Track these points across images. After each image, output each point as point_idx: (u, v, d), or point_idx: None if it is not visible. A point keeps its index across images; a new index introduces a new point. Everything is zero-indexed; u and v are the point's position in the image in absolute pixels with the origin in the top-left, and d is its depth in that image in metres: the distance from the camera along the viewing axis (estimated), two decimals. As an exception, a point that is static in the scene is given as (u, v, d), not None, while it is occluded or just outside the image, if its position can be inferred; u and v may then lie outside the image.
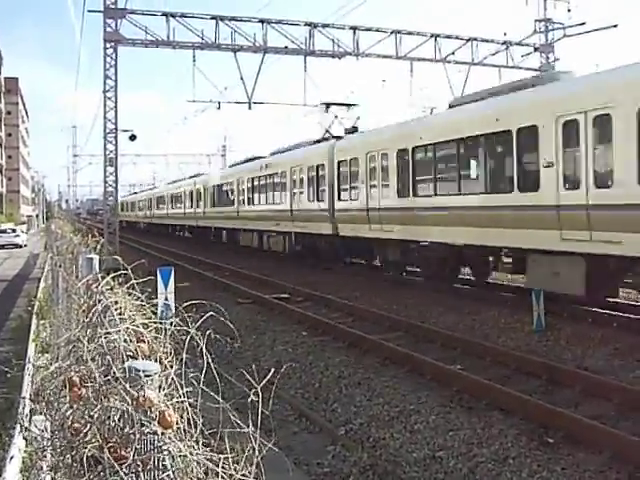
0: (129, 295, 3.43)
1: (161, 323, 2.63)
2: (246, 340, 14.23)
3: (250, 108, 33.24)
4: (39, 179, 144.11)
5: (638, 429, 7.97)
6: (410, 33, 34.54)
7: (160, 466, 1.96)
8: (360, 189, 23.58)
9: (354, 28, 33.23)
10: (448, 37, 35.36)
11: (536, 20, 36.27)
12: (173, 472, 1.95)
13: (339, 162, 25.28)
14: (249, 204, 36.02)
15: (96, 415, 2.09)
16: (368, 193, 22.96)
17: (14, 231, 60.54)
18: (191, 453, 1.96)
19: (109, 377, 2.21)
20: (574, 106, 14.14)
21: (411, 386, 10.62)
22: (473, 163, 18.45)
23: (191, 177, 56.75)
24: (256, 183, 34.90)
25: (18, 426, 3.08)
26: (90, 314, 3.05)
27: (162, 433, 2.00)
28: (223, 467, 1.96)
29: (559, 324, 14.24)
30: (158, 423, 2.01)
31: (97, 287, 3.99)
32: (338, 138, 27.44)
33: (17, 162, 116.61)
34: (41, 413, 2.87)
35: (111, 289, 3.77)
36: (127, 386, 2.08)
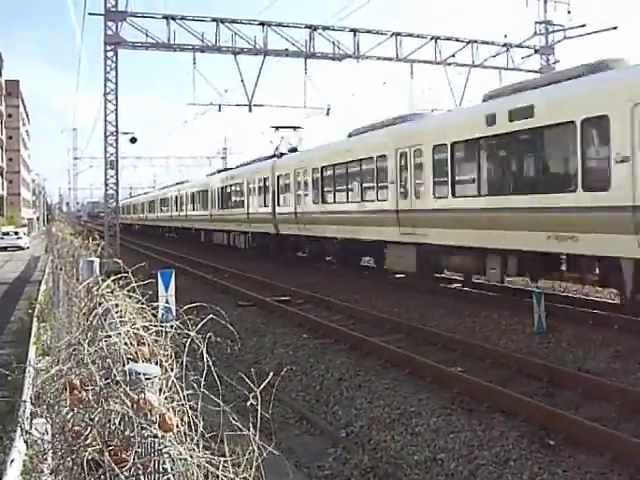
0: (129, 298, 3.44)
1: (162, 326, 2.63)
2: (247, 343, 14.22)
3: (250, 111, 33.32)
4: (40, 182, 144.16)
5: (639, 431, 7.97)
6: (410, 35, 34.61)
7: (160, 469, 1.96)
8: (291, 197, 29.61)
9: (354, 30, 33.27)
10: (448, 39, 35.40)
11: (536, 22, 36.36)
12: (173, 475, 1.95)
13: (278, 176, 31.46)
14: (219, 209, 41.96)
15: (97, 418, 2.10)
16: (296, 200, 28.95)
17: (17, 234, 61.98)
18: (191, 456, 1.96)
19: (109, 380, 2.21)
20: None
21: (412, 388, 10.61)
22: (354, 181, 24.52)
23: (176, 184, 63.45)
24: (223, 191, 41.29)
25: (19, 429, 3.08)
26: (91, 317, 3.06)
27: (162, 436, 2.00)
28: (223, 470, 1.96)
29: (560, 326, 14.23)
30: (158, 426, 2.01)
31: (98, 290, 4.00)
32: (280, 156, 33.30)
33: (18, 165, 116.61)
34: (42, 416, 2.87)
35: (112, 292, 3.78)
36: (127, 389, 2.09)
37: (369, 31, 33.83)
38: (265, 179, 33.08)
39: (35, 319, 13.34)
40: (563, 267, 15.94)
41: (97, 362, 2.42)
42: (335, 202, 25.57)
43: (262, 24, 32.06)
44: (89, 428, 2.09)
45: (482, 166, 17.58)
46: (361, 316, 16.88)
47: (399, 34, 34.09)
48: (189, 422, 2.13)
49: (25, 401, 3.32)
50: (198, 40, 31.39)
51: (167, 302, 11.73)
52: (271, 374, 2.84)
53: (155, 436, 1.99)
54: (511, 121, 15.81)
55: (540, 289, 15.61)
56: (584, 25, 33.42)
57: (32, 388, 4.05)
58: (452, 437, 8.44)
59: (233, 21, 31.88)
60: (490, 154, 17.44)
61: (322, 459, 8.07)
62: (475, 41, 35.62)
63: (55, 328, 8.90)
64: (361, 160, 23.34)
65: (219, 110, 34.85)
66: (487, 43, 36.08)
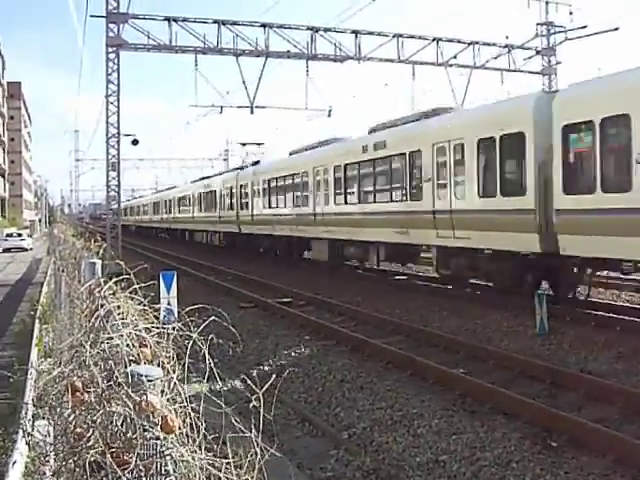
0: (131, 300, 3.44)
1: (164, 328, 2.63)
2: (249, 344, 14.21)
3: (252, 112, 33.30)
4: (42, 183, 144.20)
5: (642, 433, 7.96)
6: (412, 37, 34.56)
7: (163, 471, 1.96)
8: (249, 202, 36.65)
9: (356, 32, 33.23)
10: (450, 41, 35.34)
11: (538, 23, 36.33)
12: (176, 477, 1.94)
13: (240, 185, 38.43)
14: (198, 212, 49.50)
15: (99, 420, 2.09)
16: (253, 205, 36.06)
17: (20, 235, 63.67)
18: (193, 458, 1.95)
19: (112, 382, 2.21)
20: None
21: (414, 390, 10.60)
22: (288, 192, 31.34)
23: (167, 189, 72.01)
24: (202, 197, 48.60)
25: (21, 431, 3.08)
26: (93, 319, 3.06)
27: (164, 438, 2.00)
28: (225, 472, 1.95)
29: (562, 327, 14.22)
30: (160, 428, 2.01)
31: (100, 292, 4.00)
32: (241, 169, 41.73)
33: (20, 167, 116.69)
34: (44, 418, 2.87)
35: (113, 294, 3.78)
36: (129, 391, 2.08)
37: (370, 33, 33.78)
38: (231, 187, 40.20)
39: (37, 321, 13.32)
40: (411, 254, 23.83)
41: (99, 364, 2.42)
42: (277, 207, 32.73)
43: (264, 26, 32.04)
44: (91, 430, 2.09)
45: (360, 182, 24.64)
46: (363, 318, 16.87)
47: (400, 35, 34.06)
48: (191, 424, 2.13)
49: (27, 403, 3.32)
50: (200, 42, 31.37)
51: (169, 304, 11.73)
52: (273, 376, 2.83)
53: (157, 438, 1.99)
54: (375, 150, 23.06)
55: (542, 290, 15.61)
56: (585, 26, 33.42)
57: (34, 390, 4.05)
58: (454, 439, 8.43)
59: (235, 23, 31.87)
60: (363, 174, 24.39)
61: (324, 461, 8.06)
62: (477, 42, 35.56)
63: (57, 330, 8.91)
64: (287, 176, 31.55)
65: (221, 112, 34.86)
66: (489, 44, 36.02)
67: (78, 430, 2.17)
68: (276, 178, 32.74)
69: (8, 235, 62.94)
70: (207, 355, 2.38)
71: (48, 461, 2.51)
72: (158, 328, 2.66)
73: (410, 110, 33.00)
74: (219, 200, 42.80)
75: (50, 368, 4.28)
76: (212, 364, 2.37)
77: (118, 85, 31.63)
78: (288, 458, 7.76)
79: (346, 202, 25.29)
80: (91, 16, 31.65)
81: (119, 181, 33.51)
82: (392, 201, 22.22)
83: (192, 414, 2.15)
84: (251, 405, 2.22)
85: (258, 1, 55.86)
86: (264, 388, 2.37)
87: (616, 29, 31.54)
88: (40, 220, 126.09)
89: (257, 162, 40.19)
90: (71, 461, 2.12)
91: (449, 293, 19.78)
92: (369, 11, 48.67)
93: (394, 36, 33.86)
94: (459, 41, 35.53)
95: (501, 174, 16.98)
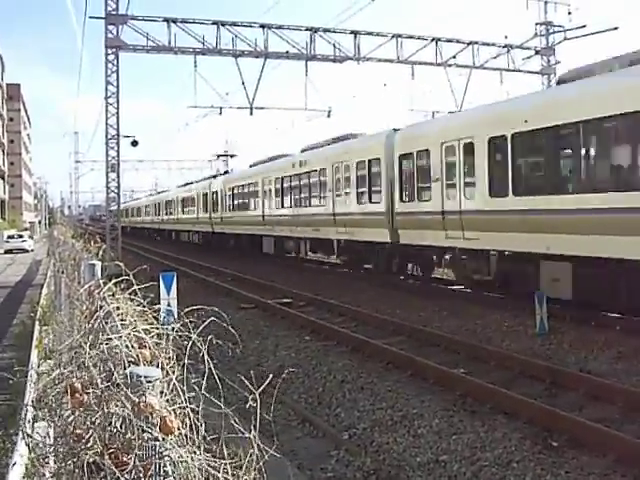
0: (131, 301, 3.43)
1: (163, 329, 2.63)
2: (249, 345, 14.22)
3: (252, 113, 33.30)
4: (41, 185, 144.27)
5: (642, 432, 7.96)
6: (411, 37, 34.56)
7: (161, 472, 1.96)
8: (220, 205, 43.17)
9: (355, 32, 33.24)
10: (449, 41, 35.33)
11: (537, 23, 36.33)
12: (174, 478, 1.94)
13: (213, 192, 45.11)
14: (181, 214, 56.39)
15: (98, 421, 2.09)
16: (223, 208, 42.57)
17: (21, 237, 65.42)
18: (192, 459, 1.95)
19: (110, 383, 2.21)
20: None
21: (414, 390, 10.60)
22: (246, 198, 38.35)
23: (158, 193, 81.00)
24: (184, 200, 55.19)
25: (21, 433, 3.08)
26: (92, 320, 3.06)
27: (163, 439, 1.99)
28: (225, 473, 1.95)
29: (562, 327, 14.22)
30: (159, 429, 2.00)
31: (99, 293, 4.00)
32: (214, 177, 49.89)
33: (19, 168, 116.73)
34: (44, 419, 2.87)
35: (113, 295, 3.78)
36: (128, 392, 2.08)
37: (370, 33, 33.79)
38: (206, 193, 46.84)
39: (37, 322, 13.32)
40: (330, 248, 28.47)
41: (98, 365, 2.41)
42: (240, 210, 38.97)
43: (263, 27, 32.05)
44: (90, 431, 2.09)
45: (292, 191, 31.16)
46: (363, 318, 16.88)
47: (400, 36, 34.06)
48: (190, 425, 2.12)
49: (27, 404, 3.31)
50: (199, 43, 31.37)
51: (169, 305, 11.73)
52: (271, 376, 2.83)
53: (156, 439, 1.98)
54: (300, 166, 29.94)
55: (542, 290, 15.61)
56: (584, 26, 33.38)
57: (34, 392, 4.05)
58: (455, 439, 8.43)
59: (234, 24, 31.87)
60: (294, 185, 30.91)
61: (325, 461, 8.06)
62: (476, 42, 35.55)
63: (57, 331, 8.90)
64: (244, 185, 38.60)
65: (220, 113, 34.87)
66: (488, 44, 36.01)
67: (77, 431, 2.16)
68: (237, 186, 39.96)
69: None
70: (206, 356, 2.38)
71: (48, 462, 2.51)
72: (157, 329, 2.66)
73: (407, 110, 33.34)
74: (197, 204, 49.76)
75: (50, 370, 4.28)
76: (212, 365, 2.37)
77: (117, 86, 31.65)
78: (289, 459, 7.76)
79: (282, 206, 32.19)
80: (90, 17, 31.69)
81: (119, 182, 33.55)
82: (310, 206, 29.16)
83: (191, 415, 2.15)
84: (248, 405, 2.22)
85: (257, 2, 55.94)
86: (261, 388, 2.36)
87: (615, 29, 31.53)
88: (40, 222, 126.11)
89: (227, 172, 49.45)
90: (70, 462, 2.12)
91: (448, 294, 19.78)
92: (368, 12, 48.60)
93: (393, 36, 33.86)
94: (458, 41, 35.53)
95: (369, 187, 23.63)
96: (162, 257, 41.34)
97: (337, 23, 34.60)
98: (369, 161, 23.40)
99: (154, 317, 3.03)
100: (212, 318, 3.00)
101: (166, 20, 30.93)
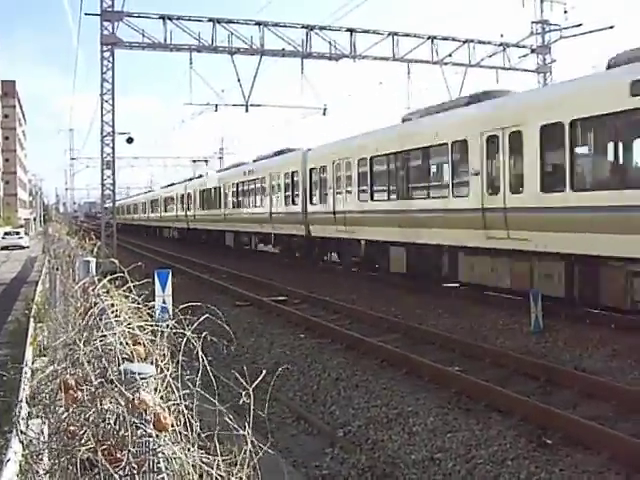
0: (125, 298, 3.43)
1: (158, 325, 2.62)
2: (244, 342, 14.22)
3: (247, 111, 33.29)
4: (36, 182, 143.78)
5: (637, 430, 7.97)
6: (407, 35, 34.57)
7: (155, 469, 1.95)
8: (193, 205, 49.70)
9: (351, 30, 33.23)
10: (445, 39, 35.36)
11: (533, 22, 36.35)
12: (168, 475, 1.94)
13: (188, 193, 51.83)
14: (164, 212, 62.35)
15: (91, 418, 2.09)
16: (195, 207, 49.03)
17: (18, 233, 66.63)
18: (186, 456, 1.95)
19: (103, 379, 2.20)
20: None
21: (409, 388, 10.61)
22: (217, 199, 43.13)
23: (146, 192, 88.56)
24: (166, 200, 61.84)
25: (15, 430, 3.07)
26: (86, 317, 3.05)
27: (157, 435, 1.99)
28: (218, 470, 1.95)
29: (557, 325, 14.24)
30: (153, 426, 2.00)
31: (94, 290, 3.99)
32: (190, 180, 57.38)
33: (14, 165, 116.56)
34: (38, 416, 2.86)
35: (107, 292, 3.77)
36: (122, 389, 2.08)
37: (366, 31, 33.79)
38: (182, 195, 53.82)
39: (32, 319, 13.30)
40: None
41: (92, 362, 2.41)
42: (208, 209, 44.97)
43: (258, 24, 32.02)
44: (84, 428, 2.08)
45: (243, 195, 37.97)
46: (358, 316, 16.88)
47: (396, 34, 34.05)
48: (185, 422, 2.12)
49: (21, 401, 3.31)
50: (195, 40, 31.34)
51: (164, 302, 11.73)
52: (264, 372, 2.82)
53: (150, 435, 1.98)
54: (249, 174, 36.64)
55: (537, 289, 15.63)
56: (580, 25, 33.41)
57: (28, 388, 4.03)
58: (449, 436, 8.44)
59: (229, 21, 31.84)
60: (245, 189, 37.64)
61: (319, 459, 8.06)
62: (472, 41, 35.57)
63: (52, 328, 8.88)
64: (211, 188, 45.08)
65: (215, 110, 34.82)
66: (484, 43, 36.04)
67: (71, 428, 2.16)
68: (206, 189, 46.56)
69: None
70: (201, 353, 2.38)
71: (42, 459, 2.50)
72: (152, 326, 2.65)
73: (403, 107, 33.31)
74: (176, 203, 56.45)
75: (44, 366, 4.27)
76: (206, 362, 2.36)
77: (113, 83, 31.62)
78: (283, 456, 7.76)
79: (238, 206, 38.38)
80: (86, 14, 31.72)
81: (114, 179, 33.53)
82: (256, 207, 35.19)
83: (185, 412, 2.15)
84: (241, 401, 2.21)
85: (253, -1, 55.80)
86: (254, 384, 2.36)
87: (611, 27, 31.58)
88: (35, 219, 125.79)
89: (200, 176, 56.89)
90: (64, 459, 2.11)
91: (444, 291, 19.80)
92: (364, 9, 48.70)
93: (389, 34, 33.86)
94: (454, 39, 35.56)
95: (292, 193, 29.99)
96: (156, 254, 41.34)
97: (333, 21, 34.76)
98: (292, 172, 29.95)
99: (149, 314, 3.03)
100: (207, 315, 3.00)
101: (162, 17, 30.89)
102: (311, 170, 28.05)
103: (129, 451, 1.93)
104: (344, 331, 14.69)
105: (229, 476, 1.96)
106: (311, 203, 27.97)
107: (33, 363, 7.19)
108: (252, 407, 2.16)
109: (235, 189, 38.89)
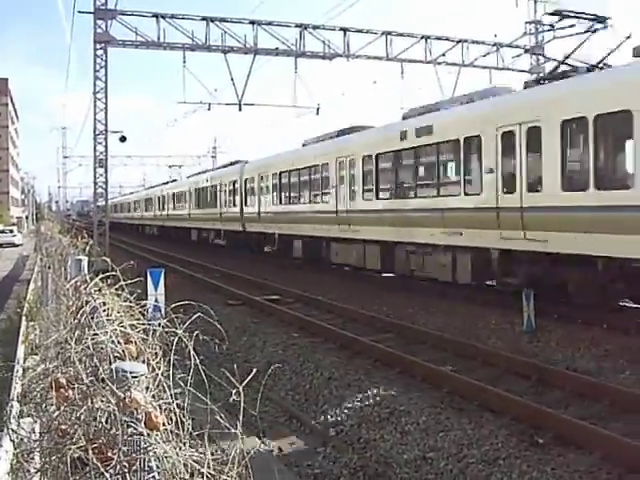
0: (117, 296, 3.42)
1: (150, 324, 2.62)
2: (236, 342, 14.20)
3: (240, 109, 33.23)
4: (29, 180, 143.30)
5: (628, 430, 8.00)
6: (401, 34, 34.55)
7: (146, 467, 1.95)
8: (166, 206, 57.21)
9: (344, 29, 33.21)
10: (439, 39, 35.37)
11: (526, 22, 36.37)
12: (159, 473, 1.93)
13: (163, 195, 58.89)
14: (144, 211, 69.12)
15: (82, 416, 2.08)
16: (168, 208, 56.10)
17: (11, 231, 67.83)
18: (177, 454, 1.94)
19: (94, 378, 2.20)
20: None
21: (402, 387, 10.61)
22: (183, 201, 51.04)
23: (131, 193, 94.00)
24: (146, 201, 68.69)
25: (5, 428, 3.06)
26: (78, 315, 3.04)
27: (148, 434, 1.98)
28: (210, 468, 1.94)
29: (549, 325, 14.27)
30: (144, 424, 1.99)
31: (85, 288, 3.98)
32: (166, 183, 66.07)
33: (6, 163, 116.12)
34: (29, 415, 2.85)
35: (99, 290, 3.76)
36: (114, 387, 2.07)
37: (359, 30, 33.76)
38: (159, 196, 60.89)
39: (24, 318, 13.27)
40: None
41: (84, 360, 2.40)
42: (178, 210, 52.96)
43: (252, 23, 31.97)
44: (75, 426, 2.07)
45: (202, 197, 45.52)
46: (351, 315, 16.88)
47: (389, 33, 34.05)
48: (176, 420, 2.11)
49: (12, 400, 3.29)
50: (188, 38, 31.27)
51: (156, 301, 11.71)
52: (254, 370, 2.82)
53: (141, 434, 1.97)
54: (206, 182, 45.00)
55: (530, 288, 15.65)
56: (574, 25, 33.45)
57: (19, 387, 4.02)
58: (442, 436, 8.45)
59: (223, 20, 31.78)
60: (203, 194, 45.38)
61: (312, 458, 8.07)
62: (465, 41, 35.59)
63: (43, 327, 8.86)
64: (180, 192, 52.90)
65: (209, 109, 34.79)
66: (477, 43, 36.05)
67: (62, 427, 2.15)
68: (177, 192, 54.04)
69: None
70: (192, 351, 2.37)
71: (33, 458, 2.49)
72: (144, 325, 2.65)
73: (401, 105, 33.33)
74: (154, 204, 63.64)
75: (35, 365, 4.26)
76: (198, 361, 2.36)
77: (106, 82, 31.54)
78: (275, 455, 7.76)
79: (198, 207, 46.04)
80: (79, 12, 31.75)
81: (106, 178, 33.44)
82: (210, 208, 42.22)
83: (177, 410, 2.14)
84: (231, 399, 2.21)
85: (247, -2, 55.69)
86: (245, 382, 2.35)
87: (604, 28, 31.61)
88: (27, 217, 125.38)
89: (174, 180, 66.71)
90: (55, 458, 2.10)
91: (437, 291, 19.81)
92: (358, 9, 48.79)
93: (383, 34, 33.85)
94: (448, 39, 35.56)
95: (233, 198, 37.09)
96: (148, 252, 41.26)
97: (327, 20, 34.72)
98: (234, 181, 37.22)
99: (141, 313, 3.02)
100: (199, 314, 2.99)
101: (155, 15, 30.81)
102: (246, 180, 35.42)
103: (120, 450, 1.93)
104: (337, 330, 14.68)
105: (220, 475, 1.96)
106: (245, 205, 35.26)
107: (24, 361, 7.17)
108: (243, 405, 2.15)
109: (197, 193, 47.11)
